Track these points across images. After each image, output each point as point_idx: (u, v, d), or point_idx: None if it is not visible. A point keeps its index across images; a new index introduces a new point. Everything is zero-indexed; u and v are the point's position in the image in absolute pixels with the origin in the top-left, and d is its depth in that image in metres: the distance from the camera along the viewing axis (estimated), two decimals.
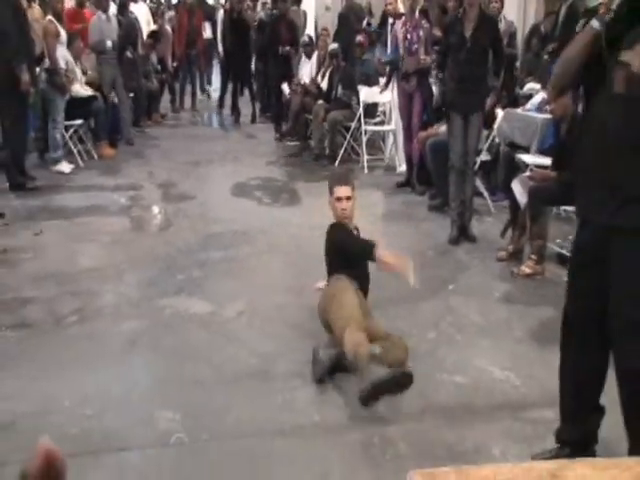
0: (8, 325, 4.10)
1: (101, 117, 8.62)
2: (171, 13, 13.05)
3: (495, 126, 6.59)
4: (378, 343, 3.61)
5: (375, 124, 8.91)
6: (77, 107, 8.16)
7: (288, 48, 10.14)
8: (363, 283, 3.97)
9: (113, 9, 9.75)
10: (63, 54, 7.86)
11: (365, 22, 11.79)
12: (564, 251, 5.06)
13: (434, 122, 6.98)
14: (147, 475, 2.85)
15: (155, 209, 6.83)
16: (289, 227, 6.05)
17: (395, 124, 8.06)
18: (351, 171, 7.88)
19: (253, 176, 7.95)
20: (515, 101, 7.77)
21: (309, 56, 9.98)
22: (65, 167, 7.88)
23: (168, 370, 3.65)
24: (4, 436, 3.02)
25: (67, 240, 5.69)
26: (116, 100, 9.13)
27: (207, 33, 12.98)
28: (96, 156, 8.61)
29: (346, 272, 3.86)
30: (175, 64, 12.05)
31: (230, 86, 11.65)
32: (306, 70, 9.92)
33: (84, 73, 8.78)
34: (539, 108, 6.68)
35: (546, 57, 7.89)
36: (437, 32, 7.29)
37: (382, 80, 8.24)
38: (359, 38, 9.45)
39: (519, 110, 7.09)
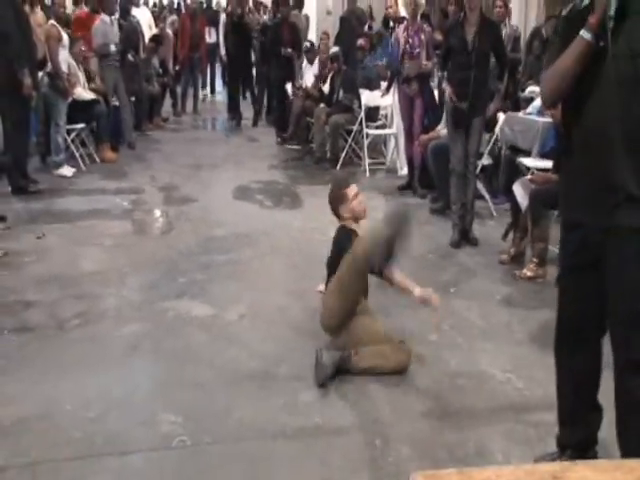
0: (10, 328, 4.11)
1: (103, 121, 8.63)
2: (173, 17, 13.10)
3: (497, 129, 6.60)
4: (380, 346, 3.62)
5: (376, 127, 8.92)
6: (79, 111, 8.19)
7: (290, 50, 10.18)
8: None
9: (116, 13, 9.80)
10: (65, 58, 7.88)
11: (367, 26, 11.84)
12: None
13: (435, 125, 6.99)
14: (150, 478, 2.85)
15: (157, 212, 6.84)
16: (291, 230, 6.06)
17: (396, 127, 8.07)
18: (352, 174, 7.90)
19: (255, 179, 7.97)
20: (516, 104, 7.78)
21: (311, 62, 10.01)
22: (67, 171, 7.90)
23: (170, 373, 3.66)
24: (6, 440, 3.02)
25: (69, 243, 5.69)
26: (117, 103, 9.15)
27: (212, 38, 13.01)
28: (98, 160, 8.63)
29: None
30: (178, 67, 12.08)
31: (232, 89, 11.69)
32: (308, 75, 9.95)
33: (91, 79, 8.80)
34: (540, 111, 6.68)
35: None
36: (438, 36, 7.32)
37: (383, 84, 8.26)
38: (360, 41, 9.48)
39: (520, 114, 7.10)
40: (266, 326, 4.20)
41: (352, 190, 3.96)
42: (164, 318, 4.31)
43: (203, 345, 3.96)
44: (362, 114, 8.38)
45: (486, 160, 6.53)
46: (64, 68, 7.80)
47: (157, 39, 11.25)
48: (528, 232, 5.05)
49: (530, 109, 7.03)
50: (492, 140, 6.56)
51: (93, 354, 3.83)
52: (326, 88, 9.24)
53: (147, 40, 10.94)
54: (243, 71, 11.53)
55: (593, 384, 2.73)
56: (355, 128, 8.56)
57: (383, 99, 8.39)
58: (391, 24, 8.48)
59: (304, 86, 9.74)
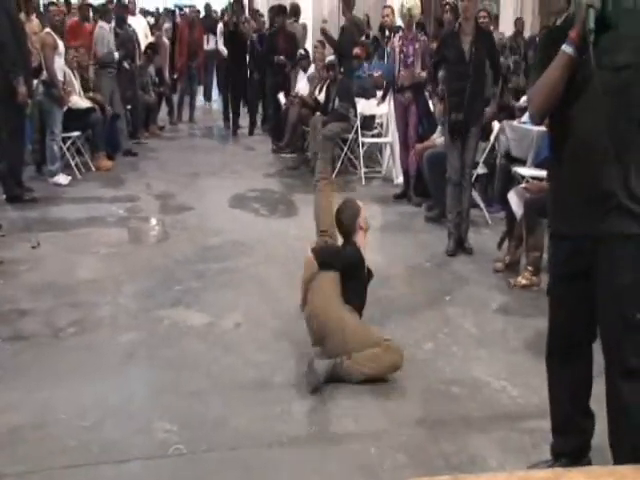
0: (5, 337, 4.10)
1: (98, 129, 8.64)
2: (167, 25, 13.13)
3: (492, 137, 6.62)
4: (372, 349, 3.63)
5: (372, 136, 8.93)
6: (74, 119, 8.19)
7: (282, 57, 10.24)
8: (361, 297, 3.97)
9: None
10: (61, 66, 7.88)
11: (364, 35, 11.86)
12: None
13: (430, 134, 7.01)
14: None
15: (153, 221, 6.85)
16: (286, 238, 6.06)
17: (392, 136, 8.10)
18: (347, 183, 7.92)
19: (250, 188, 7.98)
20: (511, 113, 7.81)
21: (305, 70, 10.04)
22: (62, 179, 7.90)
23: (166, 381, 3.66)
24: (1, 449, 3.02)
25: (64, 252, 5.69)
26: (111, 112, 9.15)
27: (210, 45, 13.04)
28: (94, 168, 8.64)
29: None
30: (175, 76, 12.09)
31: (228, 98, 11.72)
32: (302, 84, 9.98)
33: (89, 87, 8.80)
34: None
35: None
36: (434, 45, 7.34)
37: (379, 93, 8.29)
38: (356, 50, 9.51)
39: (515, 122, 7.13)
40: (262, 334, 4.20)
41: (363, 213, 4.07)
42: (160, 326, 4.31)
43: (199, 353, 3.96)
44: (358, 123, 8.41)
45: (481, 169, 6.56)
46: (60, 76, 7.81)
47: (153, 47, 11.28)
48: (523, 241, 5.07)
49: (525, 118, 7.05)
50: (487, 149, 6.58)
51: (89, 362, 3.82)
52: (322, 97, 9.27)
53: (143, 48, 10.96)
54: (238, 80, 11.55)
55: (585, 391, 2.75)
56: (351, 137, 8.57)
57: (379, 108, 8.42)
58: (387, 33, 8.50)
59: (299, 94, 9.77)
